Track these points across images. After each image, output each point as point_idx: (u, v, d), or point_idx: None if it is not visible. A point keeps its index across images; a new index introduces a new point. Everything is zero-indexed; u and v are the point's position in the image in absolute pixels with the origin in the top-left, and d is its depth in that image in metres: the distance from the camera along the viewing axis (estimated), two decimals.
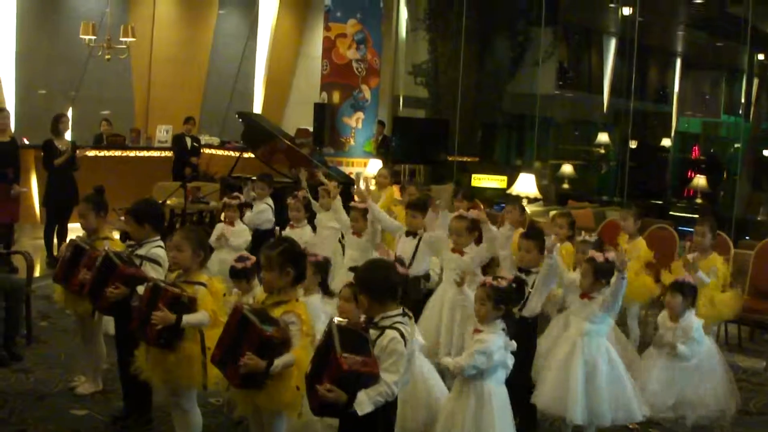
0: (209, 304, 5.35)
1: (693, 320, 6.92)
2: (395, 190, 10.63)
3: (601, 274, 6.28)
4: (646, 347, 8.15)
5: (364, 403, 4.36)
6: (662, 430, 6.88)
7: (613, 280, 6.08)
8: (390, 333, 4.52)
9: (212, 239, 8.53)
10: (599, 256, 6.37)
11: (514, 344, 5.44)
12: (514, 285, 5.61)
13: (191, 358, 5.35)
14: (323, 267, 6.40)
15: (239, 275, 7.00)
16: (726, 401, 6.74)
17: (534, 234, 6.68)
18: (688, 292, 6.92)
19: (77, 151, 12.13)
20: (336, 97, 14.76)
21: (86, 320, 6.90)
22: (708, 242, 8.22)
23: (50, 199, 11.89)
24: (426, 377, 5.79)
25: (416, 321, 6.19)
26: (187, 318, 5.27)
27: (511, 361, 5.46)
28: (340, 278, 7.08)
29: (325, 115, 14.70)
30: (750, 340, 9.85)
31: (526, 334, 6.57)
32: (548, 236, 6.46)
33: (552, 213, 10.37)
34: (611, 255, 6.50)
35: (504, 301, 5.45)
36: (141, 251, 6.27)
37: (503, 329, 5.40)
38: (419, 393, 5.68)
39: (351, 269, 6.50)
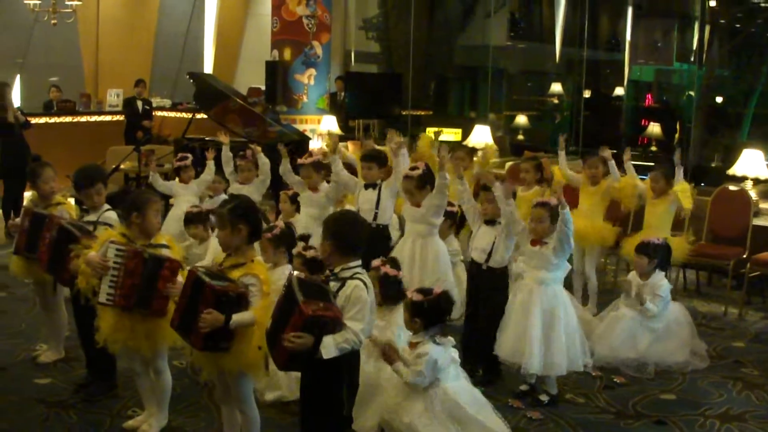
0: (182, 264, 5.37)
1: (661, 280, 7.12)
2: None
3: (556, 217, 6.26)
4: (605, 296, 8.27)
5: (330, 346, 4.38)
6: (625, 376, 6.97)
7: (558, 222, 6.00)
8: (353, 282, 4.57)
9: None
10: (553, 200, 6.34)
11: (451, 340, 5.39)
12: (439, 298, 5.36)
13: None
14: (286, 237, 6.37)
15: (194, 221, 7.01)
16: (688, 360, 7.13)
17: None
18: (653, 253, 7.09)
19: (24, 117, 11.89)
20: (287, 54, 14.64)
21: (47, 288, 6.82)
22: (662, 187, 8.31)
23: (5, 169, 11.64)
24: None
25: None
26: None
27: (456, 353, 5.41)
28: None
29: (276, 73, 14.58)
30: (708, 284, 9.97)
31: (494, 286, 6.58)
32: (494, 186, 6.40)
33: (508, 164, 10.39)
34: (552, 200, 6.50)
35: (426, 314, 5.27)
36: (91, 217, 6.20)
37: (435, 334, 5.29)
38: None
39: (301, 237, 6.49)
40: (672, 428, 6.07)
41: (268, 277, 4.90)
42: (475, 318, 6.63)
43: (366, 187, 7.90)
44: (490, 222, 6.69)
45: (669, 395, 6.70)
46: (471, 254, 6.80)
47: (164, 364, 5.67)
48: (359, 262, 4.72)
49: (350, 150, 11.40)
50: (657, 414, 6.30)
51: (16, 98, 17.08)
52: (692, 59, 16.75)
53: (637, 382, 6.91)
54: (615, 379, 6.87)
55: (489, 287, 6.60)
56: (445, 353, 5.26)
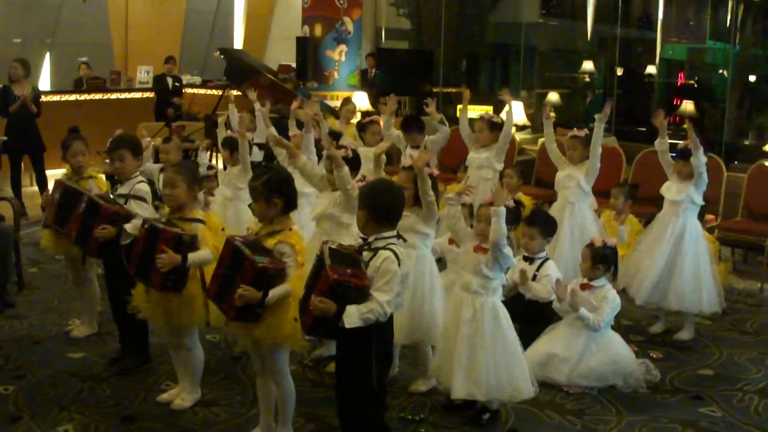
0: (210, 240, 5.28)
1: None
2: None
3: (599, 260, 6.26)
4: None
5: (353, 315, 4.32)
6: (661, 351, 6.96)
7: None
8: (383, 253, 4.51)
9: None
10: (598, 241, 6.35)
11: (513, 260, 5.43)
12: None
13: (193, 298, 5.31)
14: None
15: (228, 144, 7.41)
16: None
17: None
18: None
19: (38, 96, 11.91)
20: (318, 30, 14.60)
21: (77, 262, 6.80)
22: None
23: (9, 146, 11.71)
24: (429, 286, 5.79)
25: None
26: (192, 257, 5.20)
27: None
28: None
29: (307, 49, 14.56)
30: (744, 262, 9.87)
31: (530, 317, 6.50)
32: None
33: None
34: (611, 241, 6.43)
35: (510, 223, 5.40)
36: (123, 190, 6.16)
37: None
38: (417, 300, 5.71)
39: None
40: (709, 403, 5.99)
41: (303, 247, 4.89)
42: None
43: (412, 147, 8.39)
44: (528, 259, 6.70)
45: (706, 370, 6.62)
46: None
47: (193, 341, 5.67)
48: (394, 232, 4.66)
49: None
50: (694, 389, 6.23)
51: (45, 77, 17.24)
52: (725, 38, 16.53)
53: (674, 358, 6.84)
54: (651, 354, 6.80)
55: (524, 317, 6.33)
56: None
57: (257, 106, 8.36)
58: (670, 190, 7.29)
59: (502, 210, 5.09)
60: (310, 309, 4.34)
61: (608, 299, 6.25)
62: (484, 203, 5.53)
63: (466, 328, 5.35)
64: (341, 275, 4.32)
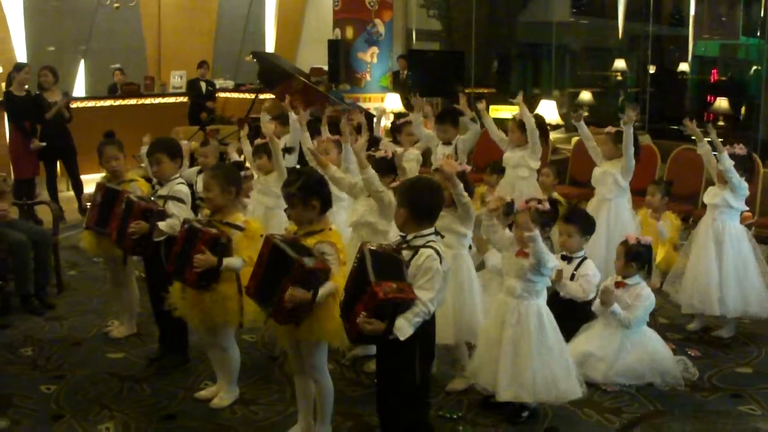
0: (244, 250, 5.30)
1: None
2: None
3: (633, 257, 6.21)
4: None
5: (404, 327, 4.31)
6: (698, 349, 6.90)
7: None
8: (425, 251, 4.49)
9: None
10: (632, 238, 6.31)
11: (556, 262, 5.39)
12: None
13: (227, 298, 5.35)
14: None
15: (264, 150, 7.33)
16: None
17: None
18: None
19: (69, 102, 12.02)
20: (349, 32, 14.63)
21: (117, 263, 6.87)
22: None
23: (44, 151, 11.71)
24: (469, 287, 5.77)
25: None
26: (226, 261, 5.24)
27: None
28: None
29: (339, 52, 14.59)
30: None
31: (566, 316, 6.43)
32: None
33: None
34: (645, 239, 6.39)
35: (548, 224, 5.43)
36: (162, 191, 6.22)
37: None
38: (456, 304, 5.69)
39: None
40: (749, 401, 5.95)
41: (343, 246, 4.92)
42: None
43: (444, 143, 8.49)
44: (566, 258, 6.65)
45: (745, 369, 6.56)
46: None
47: (229, 341, 5.71)
48: (432, 230, 4.65)
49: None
50: (733, 387, 6.18)
51: (80, 84, 17.41)
52: (759, 33, 16.41)
53: (712, 355, 6.79)
54: (689, 352, 6.76)
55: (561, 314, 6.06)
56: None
57: (292, 114, 8.29)
58: (709, 193, 7.22)
59: (536, 234, 5.02)
60: (358, 324, 4.30)
61: (642, 297, 6.22)
62: (521, 210, 5.50)
63: (510, 332, 5.34)
64: (388, 293, 4.26)
